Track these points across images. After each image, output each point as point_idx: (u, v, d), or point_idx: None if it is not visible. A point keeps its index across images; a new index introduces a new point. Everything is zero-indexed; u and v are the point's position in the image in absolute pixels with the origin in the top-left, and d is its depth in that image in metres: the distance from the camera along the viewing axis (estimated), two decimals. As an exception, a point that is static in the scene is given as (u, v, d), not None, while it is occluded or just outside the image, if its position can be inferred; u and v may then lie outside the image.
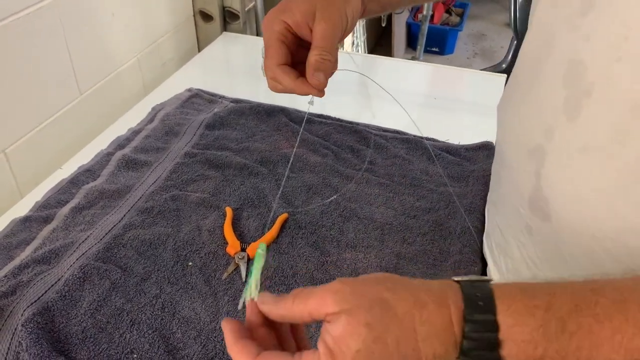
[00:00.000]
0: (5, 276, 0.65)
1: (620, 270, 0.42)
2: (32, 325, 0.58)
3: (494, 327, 0.34)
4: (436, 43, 3.10)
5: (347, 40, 2.28)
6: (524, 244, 0.56)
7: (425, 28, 2.66)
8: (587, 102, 0.43)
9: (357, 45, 2.42)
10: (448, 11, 3.28)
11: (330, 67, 0.47)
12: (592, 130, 0.43)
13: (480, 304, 0.35)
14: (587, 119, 0.43)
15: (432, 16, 3.07)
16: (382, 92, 1.16)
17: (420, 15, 2.88)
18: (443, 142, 0.93)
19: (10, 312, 0.61)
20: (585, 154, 0.44)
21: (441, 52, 3.13)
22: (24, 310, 0.60)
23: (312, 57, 0.47)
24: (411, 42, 3.17)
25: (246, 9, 1.31)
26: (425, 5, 2.68)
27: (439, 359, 0.34)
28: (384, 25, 2.62)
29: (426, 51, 3.08)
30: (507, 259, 0.60)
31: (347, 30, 0.49)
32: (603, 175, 0.43)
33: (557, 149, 0.46)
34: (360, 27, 2.41)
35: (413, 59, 3.05)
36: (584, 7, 0.42)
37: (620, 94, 0.40)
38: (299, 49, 0.50)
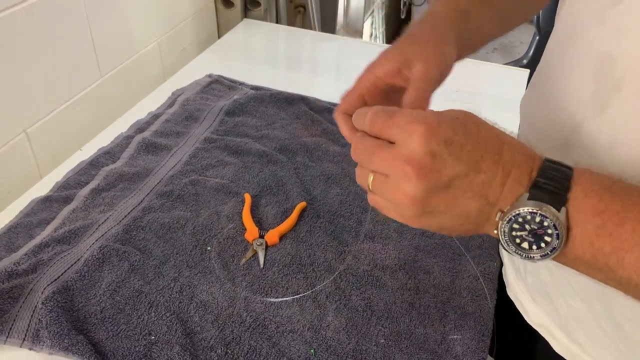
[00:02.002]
0: (25, 254, 0.66)
1: None
2: (52, 303, 0.59)
3: (568, 173, 0.36)
4: (455, 37, 3.07)
5: (366, 32, 2.27)
6: None
7: (444, 21, 2.63)
8: (616, 96, 0.42)
9: (376, 36, 2.41)
10: (468, 5, 3.24)
11: (423, 107, 0.46)
12: (621, 125, 0.42)
13: (559, 164, 0.36)
14: (616, 113, 0.42)
15: (452, 9, 3.04)
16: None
17: (439, 8, 2.85)
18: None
19: (31, 289, 0.61)
20: (613, 150, 0.43)
21: (459, 46, 3.10)
22: (44, 289, 0.60)
23: (408, 96, 0.46)
24: (429, 35, 3.14)
25: (267, -4, 1.31)
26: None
27: (516, 168, 0.36)
28: (403, 17, 2.60)
29: (444, 45, 3.05)
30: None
31: (446, 72, 0.48)
32: (634, 173, 0.42)
33: (584, 145, 0.45)
34: (379, 18, 2.40)
35: (431, 52, 3.02)
36: None
37: None
38: (392, 96, 0.49)
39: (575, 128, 0.46)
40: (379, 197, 0.40)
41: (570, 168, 0.36)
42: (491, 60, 3.08)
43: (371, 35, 2.37)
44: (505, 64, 2.15)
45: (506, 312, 0.64)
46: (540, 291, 0.58)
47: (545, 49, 0.54)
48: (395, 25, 2.95)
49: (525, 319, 0.61)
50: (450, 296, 0.65)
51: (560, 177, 0.35)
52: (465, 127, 0.37)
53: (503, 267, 0.66)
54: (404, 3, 2.43)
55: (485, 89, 1.13)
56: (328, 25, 1.57)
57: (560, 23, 0.51)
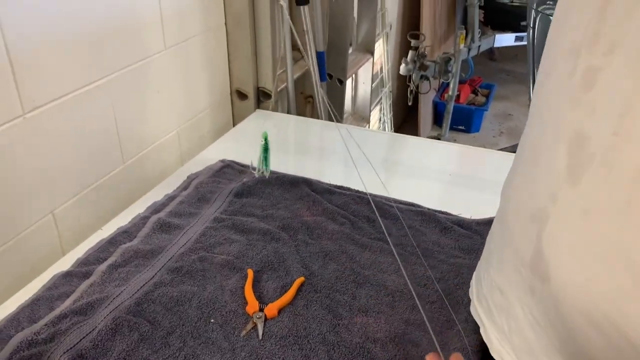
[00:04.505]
0: (45, 324, 0.72)
1: (617, 333, 0.45)
2: (66, 370, 0.64)
3: None
4: (462, 121, 3.20)
5: (374, 117, 2.40)
6: (527, 304, 0.57)
7: (450, 107, 2.76)
8: (589, 170, 0.46)
9: (384, 122, 2.53)
10: (474, 92, 3.40)
11: None
12: (593, 196, 0.46)
13: None
14: (589, 185, 0.46)
15: (459, 96, 3.19)
16: (398, 166, 1.23)
17: (446, 95, 3.00)
18: (455, 215, 0.98)
19: (48, 357, 0.67)
20: (587, 219, 0.47)
21: (467, 130, 3.22)
22: (60, 357, 0.66)
23: None
24: (437, 120, 3.27)
25: (278, 89, 1.43)
26: (451, 84, 2.78)
27: None
28: (410, 104, 2.74)
29: (452, 129, 3.18)
30: (509, 320, 0.62)
31: None
32: (603, 239, 0.46)
33: (560, 213, 0.50)
34: (387, 105, 2.53)
35: (439, 136, 3.14)
36: (586, 84, 0.46)
37: (621, 166, 0.43)
38: None
39: (551, 198, 0.51)
40: None
41: None
42: (499, 143, 3.17)
43: (380, 120, 2.50)
44: (507, 148, 2.24)
45: None
46: (527, 352, 0.60)
47: (525, 127, 0.59)
48: (403, 112, 3.09)
49: None
50: (437, 368, 0.68)
51: None
52: None
53: (482, 328, 0.68)
54: (411, 91, 2.58)
55: (482, 173, 1.19)
56: (336, 113, 1.69)
57: (535, 103, 0.56)
